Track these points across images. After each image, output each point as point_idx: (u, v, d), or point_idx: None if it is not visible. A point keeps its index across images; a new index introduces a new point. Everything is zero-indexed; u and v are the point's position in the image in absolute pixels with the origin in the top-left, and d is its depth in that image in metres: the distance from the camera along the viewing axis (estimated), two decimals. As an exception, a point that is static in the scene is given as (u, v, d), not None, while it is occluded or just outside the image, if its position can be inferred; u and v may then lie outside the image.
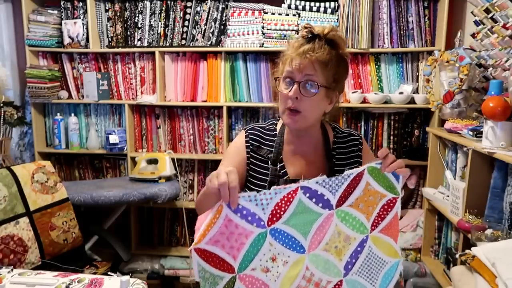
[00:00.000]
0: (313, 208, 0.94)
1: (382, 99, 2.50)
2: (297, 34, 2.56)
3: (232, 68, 2.65)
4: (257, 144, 1.22)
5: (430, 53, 2.46)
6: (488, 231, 1.53)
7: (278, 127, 1.24)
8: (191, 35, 2.66)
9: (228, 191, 0.84)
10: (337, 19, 2.52)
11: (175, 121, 2.79)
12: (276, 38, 2.55)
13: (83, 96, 2.82)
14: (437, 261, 2.23)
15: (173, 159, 2.60)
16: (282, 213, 0.91)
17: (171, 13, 2.66)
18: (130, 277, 1.36)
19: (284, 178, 1.17)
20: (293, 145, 1.21)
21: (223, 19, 2.61)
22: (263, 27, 2.56)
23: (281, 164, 1.19)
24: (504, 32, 1.64)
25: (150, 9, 2.67)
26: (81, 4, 2.72)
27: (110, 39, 2.76)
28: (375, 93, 2.52)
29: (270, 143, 1.21)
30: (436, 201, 2.13)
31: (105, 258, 2.31)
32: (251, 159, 1.20)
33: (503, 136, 1.54)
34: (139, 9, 2.69)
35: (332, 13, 2.51)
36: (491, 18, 1.73)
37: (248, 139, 1.22)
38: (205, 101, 2.72)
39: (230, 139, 2.76)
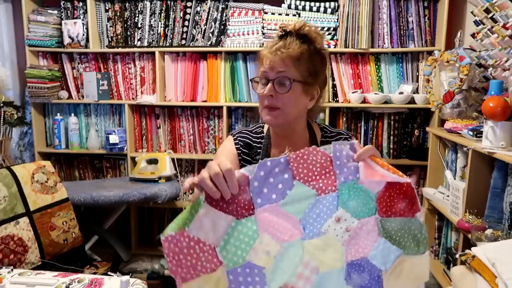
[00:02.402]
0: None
1: (382, 99, 2.50)
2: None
3: (232, 68, 2.65)
4: (245, 144, 1.22)
5: (430, 53, 2.46)
6: (488, 231, 1.53)
7: (265, 129, 1.25)
8: (191, 35, 2.66)
9: (224, 179, 0.77)
10: (337, 19, 2.52)
11: (175, 121, 2.79)
12: (276, 38, 2.55)
13: (83, 96, 2.82)
14: (437, 261, 2.22)
15: (173, 159, 2.60)
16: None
17: (171, 13, 2.66)
18: (130, 277, 1.36)
19: None
20: (280, 146, 1.19)
21: (223, 19, 2.61)
22: (263, 27, 2.56)
23: None
24: (504, 32, 1.64)
25: (150, 9, 2.67)
26: (81, 4, 2.72)
27: (110, 39, 2.76)
28: (375, 93, 2.52)
29: (258, 145, 1.21)
30: (436, 201, 2.13)
31: (105, 258, 2.30)
32: (242, 162, 1.21)
33: (503, 136, 1.54)
34: (139, 9, 2.69)
35: (332, 13, 2.51)
36: (491, 18, 1.73)
37: (238, 141, 1.22)
38: (205, 101, 2.72)
39: (230, 139, 2.76)
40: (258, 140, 1.23)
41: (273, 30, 2.54)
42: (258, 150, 1.20)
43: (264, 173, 0.82)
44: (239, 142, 1.22)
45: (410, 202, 0.87)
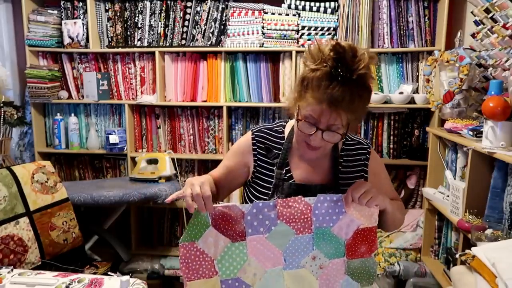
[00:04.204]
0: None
1: (382, 99, 2.50)
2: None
3: (232, 68, 2.65)
4: (264, 147, 1.19)
5: (430, 53, 2.46)
6: (488, 231, 1.53)
7: (287, 130, 1.21)
8: (191, 35, 2.66)
9: (203, 200, 0.97)
10: (337, 19, 2.52)
11: (175, 121, 2.79)
12: (276, 38, 2.55)
13: (83, 96, 2.82)
14: (437, 261, 2.23)
15: (173, 159, 2.60)
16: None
17: (171, 13, 2.66)
18: (130, 277, 1.36)
19: (289, 182, 1.16)
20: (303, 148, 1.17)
21: (223, 19, 2.61)
22: (263, 27, 2.56)
23: (287, 168, 1.17)
24: (504, 32, 1.64)
25: (150, 9, 2.67)
26: (81, 4, 2.72)
27: (110, 39, 2.76)
28: (375, 93, 2.52)
29: (278, 146, 1.19)
30: (436, 201, 2.13)
31: (105, 258, 2.30)
32: (258, 162, 1.19)
33: (503, 136, 1.54)
34: (139, 9, 2.69)
35: (332, 13, 2.51)
36: (491, 18, 1.73)
37: (255, 141, 1.19)
38: (205, 101, 2.72)
39: (230, 139, 2.76)
40: (278, 141, 1.19)
41: (273, 30, 2.54)
42: (278, 153, 1.17)
43: (256, 211, 1.04)
44: (257, 143, 1.19)
45: (369, 245, 1.11)
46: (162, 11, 2.66)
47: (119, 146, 2.74)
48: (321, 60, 0.98)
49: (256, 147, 1.19)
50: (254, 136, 1.20)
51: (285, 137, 1.19)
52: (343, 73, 0.95)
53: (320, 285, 1.08)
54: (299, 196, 1.06)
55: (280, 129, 1.22)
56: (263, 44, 2.57)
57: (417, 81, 2.57)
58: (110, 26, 2.75)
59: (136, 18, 2.70)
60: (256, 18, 2.55)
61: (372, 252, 1.11)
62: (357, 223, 1.07)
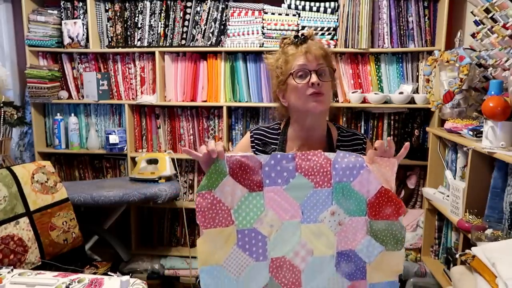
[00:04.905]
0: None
1: (382, 99, 2.50)
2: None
3: (232, 68, 2.64)
4: (262, 142, 1.30)
5: (430, 53, 2.46)
6: (488, 231, 1.53)
7: (282, 126, 1.32)
8: (191, 35, 2.66)
9: (214, 146, 1.02)
10: (337, 19, 2.52)
11: (175, 121, 2.79)
12: (276, 38, 2.55)
13: (83, 96, 2.82)
14: (437, 261, 2.22)
15: (173, 159, 2.60)
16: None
17: (171, 13, 2.66)
18: (130, 277, 1.36)
19: None
20: (298, 141, 1.28)
21: (223, 19, 2.61)
22: (263, 27, 2.56)
23: None
24: (504, 32, 1.64)
25: (150, 9, 2.67)
26: (81, 4, 2.72)
27: (110, 39, 2.76)
28: (375, 93, 2.52)
29: (275, 141, 1.30)
30: (436, 201, 2.13)
31: (105, 258, 2.31)
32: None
33: (503, 136, 1.54)
34: (139, 9, 2.69)
35: (332, 13, 2.51)
36: (491, 18, 1.73)
37: (253, 139, 1.31)
38: (205, 101, 2.72)
39: (230, 139, 2.76)
40: (274, 137, 1.31)
41: (273, 30, 2.54)
42: (274, 147, 1.29)
43: (274, 162, 1.05)
44: (255, 140, 1.32)
45: (396, 207, 1.07)
46: (162, 11, 2.66)
47: (119, 146, 2.74)
48: (281, 45, 1.28)
49: (254, 144, 1.31)
50: (252, 134, 1.33)
51: (281, 132, 1.31)
52: (302, 36, 1.25)
53: (338, 241, 1.07)
54: (319, 150, 1.07)
55: (277, 126, 1.35)
56: (263, 44, 2.57)
57: (417, 81, 2.57)
58: (110, 26, 2.75)
59: (136, 18, 2.70)
60: (256, 18, 2.55)
61: (400, 216, 1.07)
62: (378, 181, 1.06)
